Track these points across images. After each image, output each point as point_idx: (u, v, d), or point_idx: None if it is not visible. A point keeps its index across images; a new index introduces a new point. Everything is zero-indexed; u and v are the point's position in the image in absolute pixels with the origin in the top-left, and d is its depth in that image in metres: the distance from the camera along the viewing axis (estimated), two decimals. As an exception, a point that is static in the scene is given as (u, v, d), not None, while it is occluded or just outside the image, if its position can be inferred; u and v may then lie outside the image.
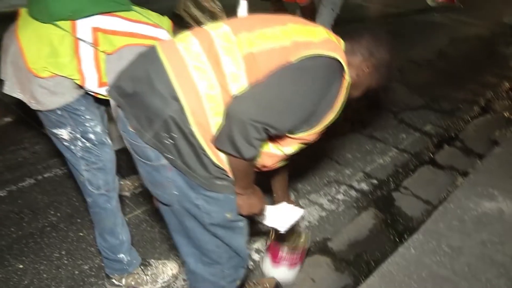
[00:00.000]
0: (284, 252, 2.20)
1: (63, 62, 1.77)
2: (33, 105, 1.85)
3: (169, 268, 2.33)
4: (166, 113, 1.33)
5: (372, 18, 7.13)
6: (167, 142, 1.36)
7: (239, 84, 1.35)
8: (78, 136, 1.92)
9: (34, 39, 1.75)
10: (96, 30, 1.77)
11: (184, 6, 2.06)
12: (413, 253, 2.41)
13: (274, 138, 1.42)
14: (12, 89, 1.83)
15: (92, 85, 1.84)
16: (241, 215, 1.57)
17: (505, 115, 4.37)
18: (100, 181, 2.02)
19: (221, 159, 1.39)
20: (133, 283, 2.25)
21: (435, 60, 5.68)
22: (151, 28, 1.86)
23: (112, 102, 1.65)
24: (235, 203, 1.52)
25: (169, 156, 1.38)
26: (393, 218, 2.90)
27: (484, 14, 7.53)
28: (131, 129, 1.44)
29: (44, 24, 1.75)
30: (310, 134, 1.45)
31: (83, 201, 2.82)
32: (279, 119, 1.30)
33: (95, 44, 1.78)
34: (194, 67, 1.36)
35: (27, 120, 3.48)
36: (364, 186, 3.24)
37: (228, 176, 1.45)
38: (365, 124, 4.12)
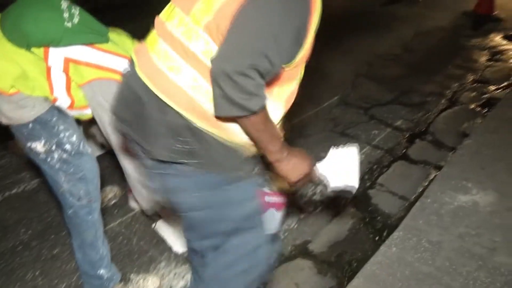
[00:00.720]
0: (266, 196, 2.04)
1: (34, 85, 1.76)
2: (3, 121, 1.79)
3: (150, 283, 2.28)
4: (168, 121, 1.31)
5: (333, 14, 7.16)
6: (181, 148, 1.33)
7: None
8: (54, 148, 1.86)
9: (3, 58, 1.72)
10: (68, 60, 1.77)
11: None
12: (395, 251, 2.42)
13: (278, 79, 1.36)
14: None
15: (64, 106, 1.83)
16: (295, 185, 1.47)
17: (471, 106, 4.45)
18: (81, 192, 1.95)
19: (237, 136, 1.36)
20: (113, 301, 2.18)
21: (401, 54, 5.75)
22: (125, 62, 1.82)
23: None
24: (255, 191, 1.49)
25: (187, 160, 1.35)
26: (371, 216, 2.91)
27: (443, 7, 7.67)
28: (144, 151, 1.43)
29: (17, 46, 1.72)
30: (306, 51, 1.35)
31: (55, 216, 2.74)
32: (262, 55, 1.20)
33: (65, 73, 1.76)
34: (168, 68, 1.33)
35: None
36: (340, 184, 3.23)
37: (248, 163, 1.42)
38: (336, 122, 4.13)
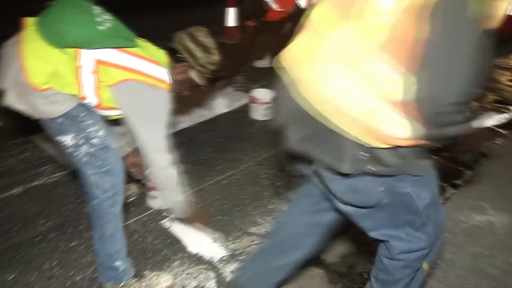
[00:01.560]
0: None
1: (65, 83, 1.87)
2: (36, 115, 1.88)
3: (162, 280, 2.31)
4: (348, 138, 1.32)
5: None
6: (362, 157, 1.34)
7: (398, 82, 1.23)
8: (81, 142, 1.93)
9: (38, 57, 1.81)
10: (98, 62, 1.86)
11: (180, 39, 2.18)
12: (407, 265, 2.42)
13: None
14: (13, 101, 1.86)
15: (91, 105, 1.95)
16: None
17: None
18: (107, 184, 2.01)
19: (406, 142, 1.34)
20: (126, 294, 2.23)
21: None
22: (152, 66, 1.97)
23: None
24: (434, 179, 1.57)
25: (371, 167, 1.36)
26: (384, 230, 2.90)
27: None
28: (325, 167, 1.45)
29: (51, 46, 1.81)
30: None
31: (74, 210, 2.80)
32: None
33: (94, 75, 1.88)
34: (335, 93, 1.30)
35: (14, 127, 3.43)
36: (355, 196, 3.23)
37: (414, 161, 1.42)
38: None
